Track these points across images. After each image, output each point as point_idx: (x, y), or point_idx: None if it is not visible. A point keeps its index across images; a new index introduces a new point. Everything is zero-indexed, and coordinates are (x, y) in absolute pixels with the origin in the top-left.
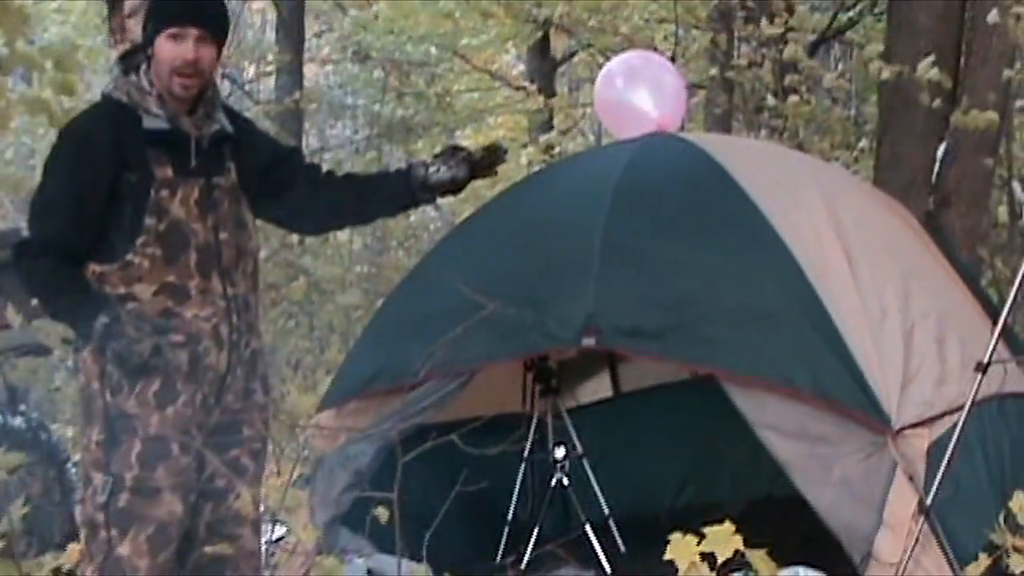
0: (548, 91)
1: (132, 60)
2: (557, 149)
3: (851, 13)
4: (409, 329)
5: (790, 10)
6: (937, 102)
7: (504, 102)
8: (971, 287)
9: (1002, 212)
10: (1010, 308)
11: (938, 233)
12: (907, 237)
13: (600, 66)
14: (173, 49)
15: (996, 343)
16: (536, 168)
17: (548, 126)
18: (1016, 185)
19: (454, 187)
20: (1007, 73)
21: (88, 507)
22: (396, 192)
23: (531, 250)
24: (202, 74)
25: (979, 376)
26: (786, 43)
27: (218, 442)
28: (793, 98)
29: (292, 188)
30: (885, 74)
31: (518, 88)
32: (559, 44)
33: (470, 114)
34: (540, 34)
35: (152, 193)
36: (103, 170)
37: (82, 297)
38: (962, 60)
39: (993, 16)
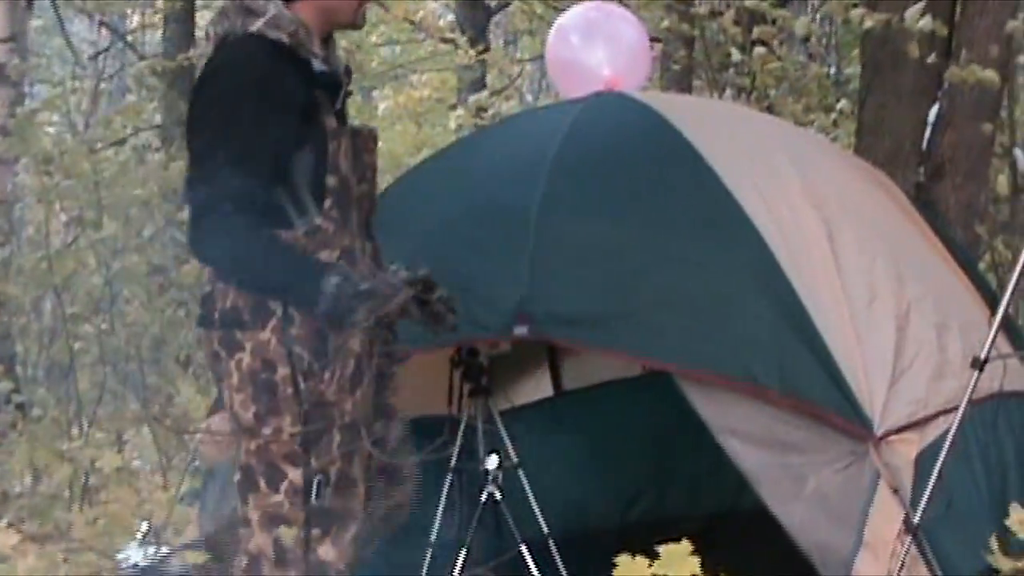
0: (481, 44)
1: None
2: (490, 111)
3: None
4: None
5: None
6: (930, 57)
7: (429, 57)
8: (967, 271)
9: (1003, 184)
10: (1011, 296)
11: (929, 209)
12: (894, 213)
13: (540, 16)
14: None
15: (995, 335)
16: (466, 132)
17: (480, 84)
18: (1018, 153)
19: None
20: (1010, 24)
21: (283, 503)
22: None
23: (457, 226)
24: None
25: (976, 373)
26: None
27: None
28: (760, 50)
29: None
30: (868, 23)
31: (446, 40)
32: None
33: (389, 71)
34: None
35: (330, 147)
36: (293, 117)
37: (296, 259)
38: (958, 8)
39: None
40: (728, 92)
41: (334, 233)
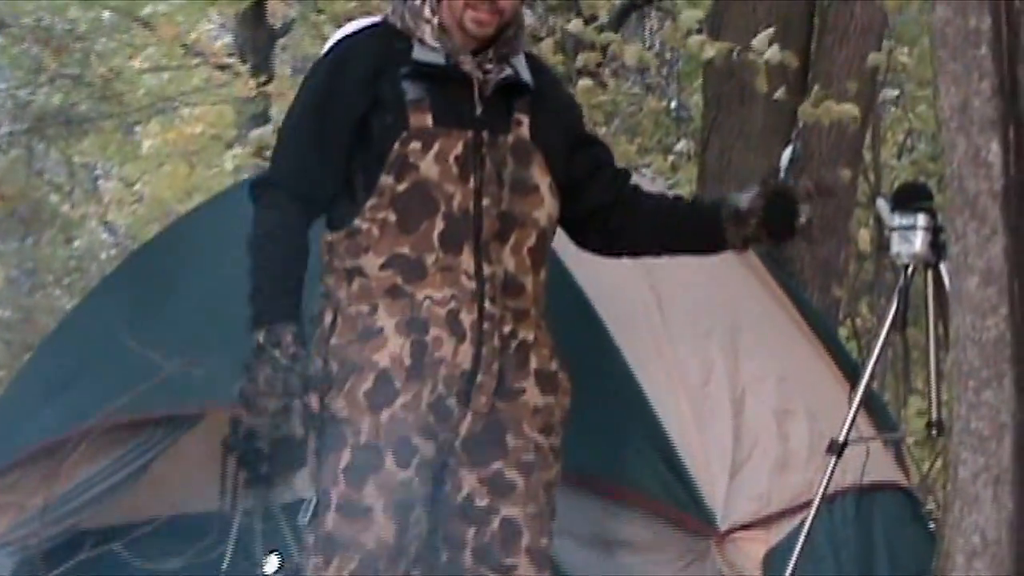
0: (263, 72)
1: None
2: None
3: None
4: (62, 391)
5: None
6: (781, 92)
7: (203, 85)
8: (824, 341)
9: (865, 239)
10: (873, 370)
11: (781, 268)
12: (738, 275)
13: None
14: None
15: (855, 416)
16: (245, 175)
17: (263, 119)
18: (883, 203)
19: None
20: (873, 56)
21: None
22: (703, 225)
23: (236, 283)
24: (501, 13)
25: (832, 460)
26: (578, 13)
27: (473, 454)
28: (585, 82)
29: (593, 185)
30: (709, 52)
31: (222, 67)
32: (278, 10)
33: (156, 102)
34: None
35: (396, 145)
36: (354, 100)
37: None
38: (814, 37)
39: None
40: None
41: (381, 238)
